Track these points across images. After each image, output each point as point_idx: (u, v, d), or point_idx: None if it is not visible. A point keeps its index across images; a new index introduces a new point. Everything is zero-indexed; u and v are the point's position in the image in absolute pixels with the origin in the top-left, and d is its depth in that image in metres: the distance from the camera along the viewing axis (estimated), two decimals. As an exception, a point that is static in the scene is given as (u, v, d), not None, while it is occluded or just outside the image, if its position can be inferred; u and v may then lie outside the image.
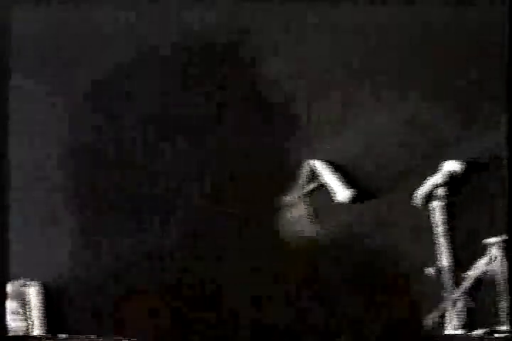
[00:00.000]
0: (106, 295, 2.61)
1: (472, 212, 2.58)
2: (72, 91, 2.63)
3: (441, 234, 2.55)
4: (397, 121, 2.60)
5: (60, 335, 2.52)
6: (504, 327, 2.47)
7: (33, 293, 2.60)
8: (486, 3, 2.57)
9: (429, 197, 2.56)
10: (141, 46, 2.63)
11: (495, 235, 2.53)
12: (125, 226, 2.62)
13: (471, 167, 2.56)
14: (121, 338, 2.48)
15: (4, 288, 2.55)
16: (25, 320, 2.60)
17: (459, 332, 2.50)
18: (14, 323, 2.59)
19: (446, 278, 2.53)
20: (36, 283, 2.61)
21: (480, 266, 2.52)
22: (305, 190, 2.60)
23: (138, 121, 2.64)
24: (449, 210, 2.55)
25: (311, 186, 2.59)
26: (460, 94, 2.60)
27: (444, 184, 2.54)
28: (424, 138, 2.59)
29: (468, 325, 2.51)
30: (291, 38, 2.61)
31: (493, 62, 2.59)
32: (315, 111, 2.60)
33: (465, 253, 2.56)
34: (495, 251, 2.51)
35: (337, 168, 2.60)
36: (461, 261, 2.55)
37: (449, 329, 2.51)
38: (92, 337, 2.50)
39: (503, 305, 2.48)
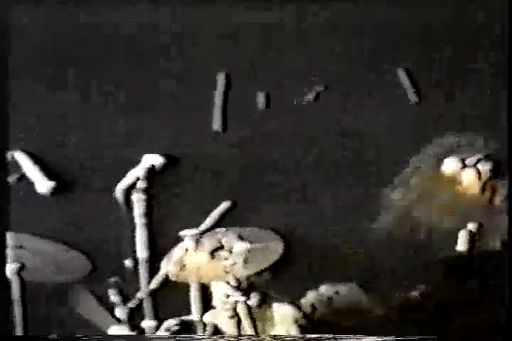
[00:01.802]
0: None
1: (170, 205, 2.61)
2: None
3: (140, 226, 2.57)
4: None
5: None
6: (194, 317, 2.57)
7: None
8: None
9: (130, 189, 2.56)
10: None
11: (190, 227, 2.58)
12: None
13: (170, 160, 2.58)
14: None
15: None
16: None
17: (152, 322, 2.56)
18: None
19: (143, 270, 2.57)
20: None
21: (174, 258, 2.59)
22: (11, 180, 2.56)
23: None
24: (149, 202, 2.58)
25: (13, 177, 2.56)
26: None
27: (144, 177, 2.54)
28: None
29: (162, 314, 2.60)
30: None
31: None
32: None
33: (162, 245, 2.60)
34: (189, 243, 2.57)
35: (38, 158, 2.59)
36: (160, 253, 2.60)
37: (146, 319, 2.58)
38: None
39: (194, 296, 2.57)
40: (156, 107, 2.62)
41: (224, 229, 2.59)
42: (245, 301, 2.56)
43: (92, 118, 2.63)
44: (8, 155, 2.54)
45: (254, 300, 2.56)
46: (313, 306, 2.56)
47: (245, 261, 2.59)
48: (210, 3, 2.60)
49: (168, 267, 2.59)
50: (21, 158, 2.54)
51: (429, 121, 2.62)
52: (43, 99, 2.63)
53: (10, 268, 2.54)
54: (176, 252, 2.59)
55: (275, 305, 2.57)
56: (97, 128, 2.63)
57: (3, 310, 2.60)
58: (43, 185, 2.54)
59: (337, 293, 2.56)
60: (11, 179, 2.52)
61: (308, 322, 2.55)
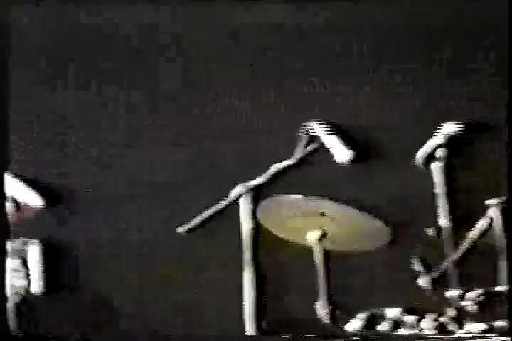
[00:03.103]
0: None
1: (472, 174, 2.59)
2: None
3: (441, 194, 2.55)
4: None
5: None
6: (502, 288, 2.45)
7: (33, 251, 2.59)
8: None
9: (430, 157, 2.55)
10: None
11: (494, 196, 2.52)
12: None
13: (470, 128, 2.56)
14: None
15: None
16: (26, 277, 2.60)
17: (456, 291, 2.47)
18: (15, 281, 2.57)
19: (447, 239, 2.53)
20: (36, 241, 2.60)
21: (479, 226, 2.51)
22: (305, 152, 2.57)
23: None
24: (449, 171, 2.55)
25: (311, 147, 2.56)
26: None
27: (444, 145, 2.54)
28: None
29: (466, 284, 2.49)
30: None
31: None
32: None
33: (465, 214, 2.56)
34: (495, 213, 2.51)
35: (337, 128, 2.59)
36: (462, 222, 2.55)
37: (448, 289, 2.49)
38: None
39: (502, 265, 2.46)
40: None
41: None
42: None
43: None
44: (309, 126, 2.56)
45: None
46: None
47: None
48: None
49: (474, 234, 2.50)
50: (320, 129, 2.56)
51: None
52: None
53: (312, 235, 2.49)
54: (482, 221, 2.51)
55: None
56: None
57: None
58: (343, 154, 2.53)
59: None
60: (310, 148, 2.52)
61: None
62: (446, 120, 2.60)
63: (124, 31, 2.61)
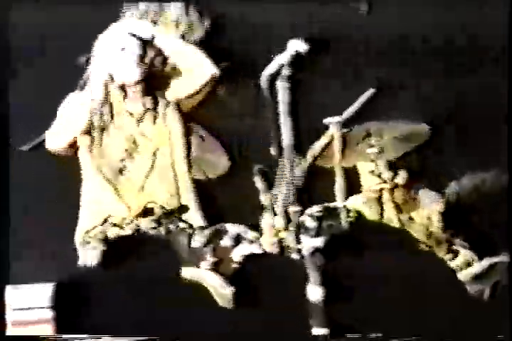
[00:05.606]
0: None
1: (316, 92, 2.58)
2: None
3: (284, 113, 2.54)
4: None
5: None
6: (338, 203, 2.53)
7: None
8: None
9: (275, 76, 2.53)
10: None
11: (335, 115, 2.55)
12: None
13: (317, 46, 2.55)
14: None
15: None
16: None
17: (297, 208, 2.53)
18: None
19: (288, 157, 2.55)
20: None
21: (318, 145, 2.56)
22: None
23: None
24: (294, 90, 2.54)
25: None
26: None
27: (290, 63, 2.51)
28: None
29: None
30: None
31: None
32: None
33: (307, 134, 2.57)
34: (334, 130, 2.54)
35: None
36: (303, 141, 2.57)
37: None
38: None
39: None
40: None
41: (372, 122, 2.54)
42: (391, 188, 2.48)
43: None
44: None
45: (401, 178, 2.51)
46: (457, 194, 2.51)
47: (391, 149, 2.52)
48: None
49: (313, 154, 2.54)
50: None
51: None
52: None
53: None
54: (321, 140, 2.54)
55: (420, 191, 2.51)
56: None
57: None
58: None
59: (483, 181, 2.51)
60: None
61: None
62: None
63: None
